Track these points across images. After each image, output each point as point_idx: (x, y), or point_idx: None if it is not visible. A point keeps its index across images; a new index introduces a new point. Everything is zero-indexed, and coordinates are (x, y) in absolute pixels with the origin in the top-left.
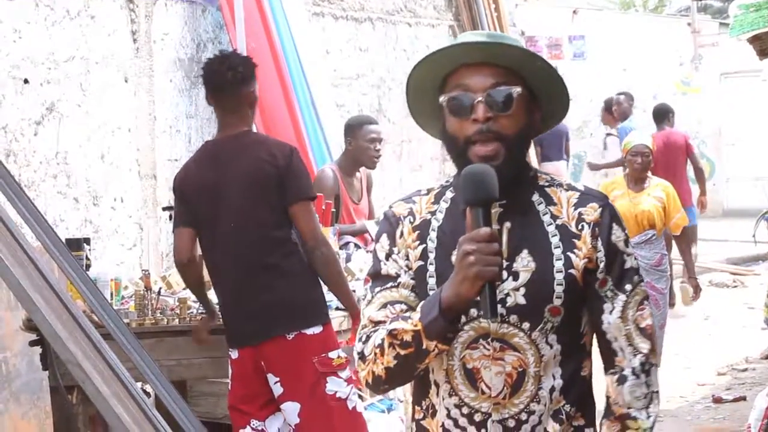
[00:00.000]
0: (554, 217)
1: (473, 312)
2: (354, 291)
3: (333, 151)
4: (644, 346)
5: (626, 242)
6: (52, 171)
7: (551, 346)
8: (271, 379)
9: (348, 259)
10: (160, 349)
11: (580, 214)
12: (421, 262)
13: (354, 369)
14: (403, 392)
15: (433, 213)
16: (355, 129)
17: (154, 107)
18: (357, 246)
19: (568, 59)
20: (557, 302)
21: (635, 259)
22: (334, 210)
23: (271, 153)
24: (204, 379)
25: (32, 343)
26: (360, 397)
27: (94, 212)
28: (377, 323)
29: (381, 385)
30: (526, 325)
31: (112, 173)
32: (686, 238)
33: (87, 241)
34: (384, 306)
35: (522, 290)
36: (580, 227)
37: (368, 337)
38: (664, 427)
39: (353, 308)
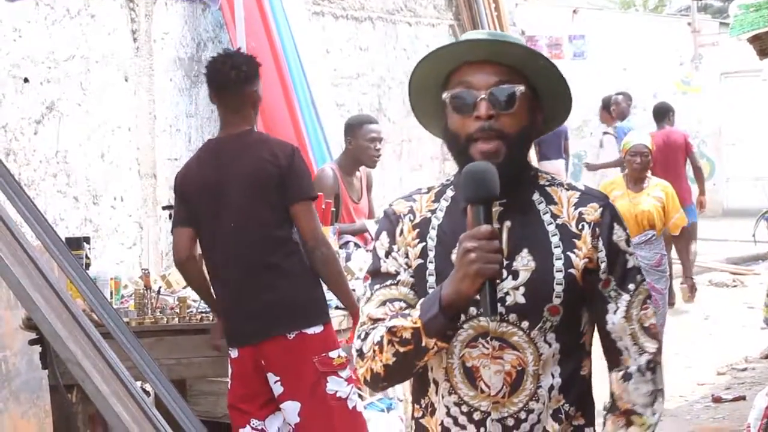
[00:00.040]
0: (554, 217)
1: (472, 310)
2: (354, 290)
3: (333, 151)
4: (650, 345)
5: (627, 242)
6: (52, 170)
7: (550, 345)
8: (271, 378)
9: (348, 259)
10: (159, 348)
11: (580, 213)
12: (420, 261)
13: (354, 368)
14: (403, 391)
15: (433, 211)
16: (355, 128)
17: (154, 106)
18: (357, 245)
19: (568, 59)
20: (556, 301)
21: (637, 258)
22: (333, 209)
23: (272, 152)
24: (204, 378)
25: (32, 342)
26: (360, 396)
27: (93, 211)
28: (376, 321)
29: (379, 382)
30: (525, 324)
31: (112, 172)
32: (684, 238)
33: (87, 240)
34: (383, 303)
35: (521, 289)
36: (580, 227)
37: (367, 335)
38: (664, 427)
39: (353, 307)
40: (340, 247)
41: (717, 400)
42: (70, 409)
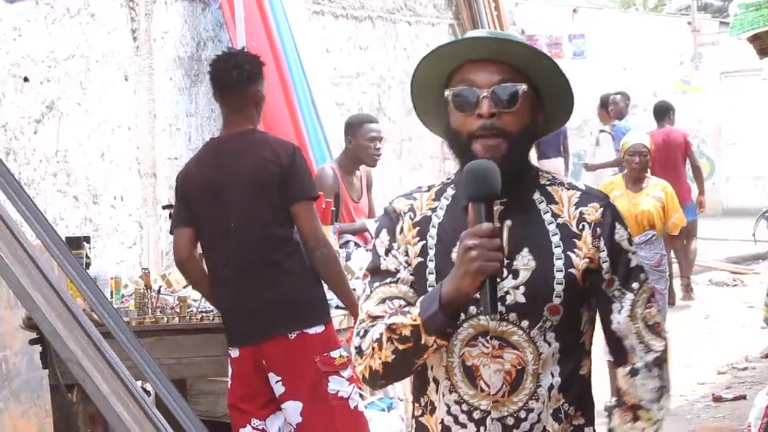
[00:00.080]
0: (555, 216)
1: (472, 309)
2: (354, 290)
3: (333, 150)
4: (657, 343)
5: (629, 241)
6: (52, 169)
7: (549, 345)
8: (272, 378)
9: (348, 258)
10: (160, 347)
11: (581, 213)
12: (420, 259)
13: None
14: (403, 390)
15: (433, 210)
16: (355, 127)
17: (154, 105)
18: (357, 245)
19: (568, 58)
20: (556, 301)
21: (639, 257)
22: (333, 209)
23: (274, 152)
24: (204, 377)
25: (32, 342)
26: (360, 396)
27: (94, 210)
28: (375, 318)
29: (378, 380)
30: (525, 324)
31: (112, 171)
32: (683, 238)
33: (87, 239)
34: (382, 301)
35: (522, 288)
36: (581, 227)
37: (366, 332)
38: (664, 426)
39: (353, 307)
40: (340, 247)
41: (717, 399)
42: (70, 408)
